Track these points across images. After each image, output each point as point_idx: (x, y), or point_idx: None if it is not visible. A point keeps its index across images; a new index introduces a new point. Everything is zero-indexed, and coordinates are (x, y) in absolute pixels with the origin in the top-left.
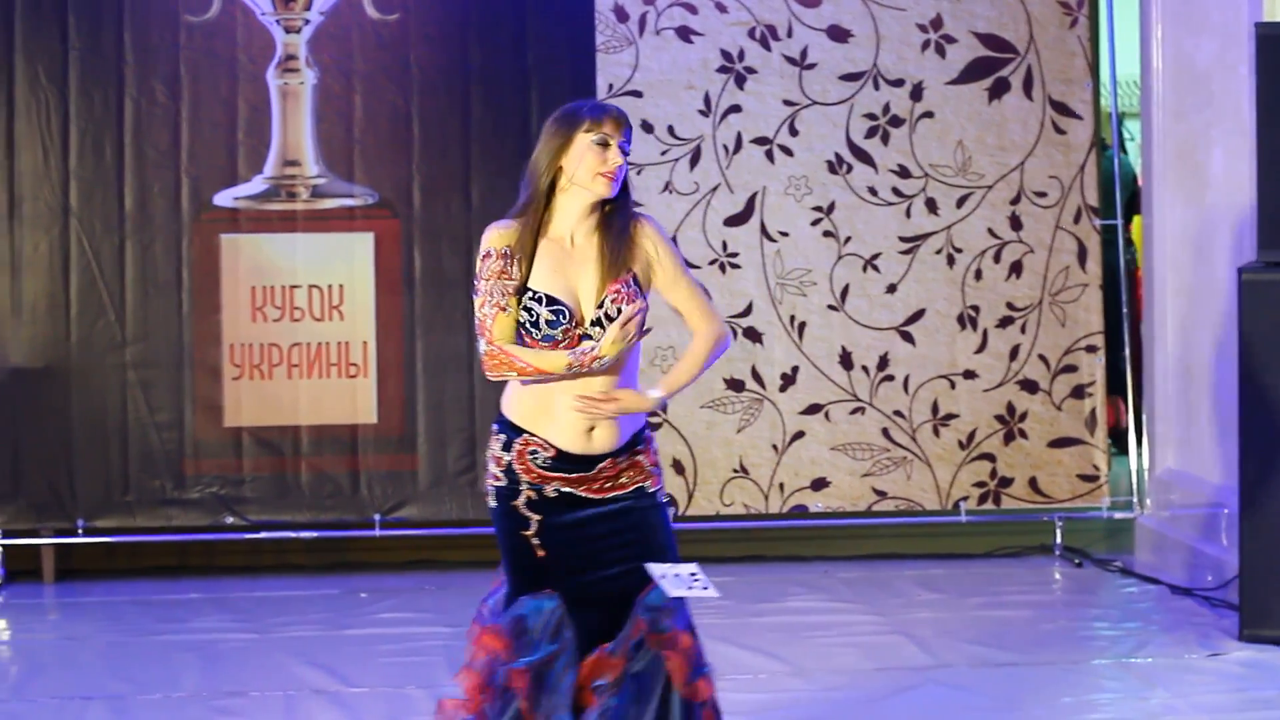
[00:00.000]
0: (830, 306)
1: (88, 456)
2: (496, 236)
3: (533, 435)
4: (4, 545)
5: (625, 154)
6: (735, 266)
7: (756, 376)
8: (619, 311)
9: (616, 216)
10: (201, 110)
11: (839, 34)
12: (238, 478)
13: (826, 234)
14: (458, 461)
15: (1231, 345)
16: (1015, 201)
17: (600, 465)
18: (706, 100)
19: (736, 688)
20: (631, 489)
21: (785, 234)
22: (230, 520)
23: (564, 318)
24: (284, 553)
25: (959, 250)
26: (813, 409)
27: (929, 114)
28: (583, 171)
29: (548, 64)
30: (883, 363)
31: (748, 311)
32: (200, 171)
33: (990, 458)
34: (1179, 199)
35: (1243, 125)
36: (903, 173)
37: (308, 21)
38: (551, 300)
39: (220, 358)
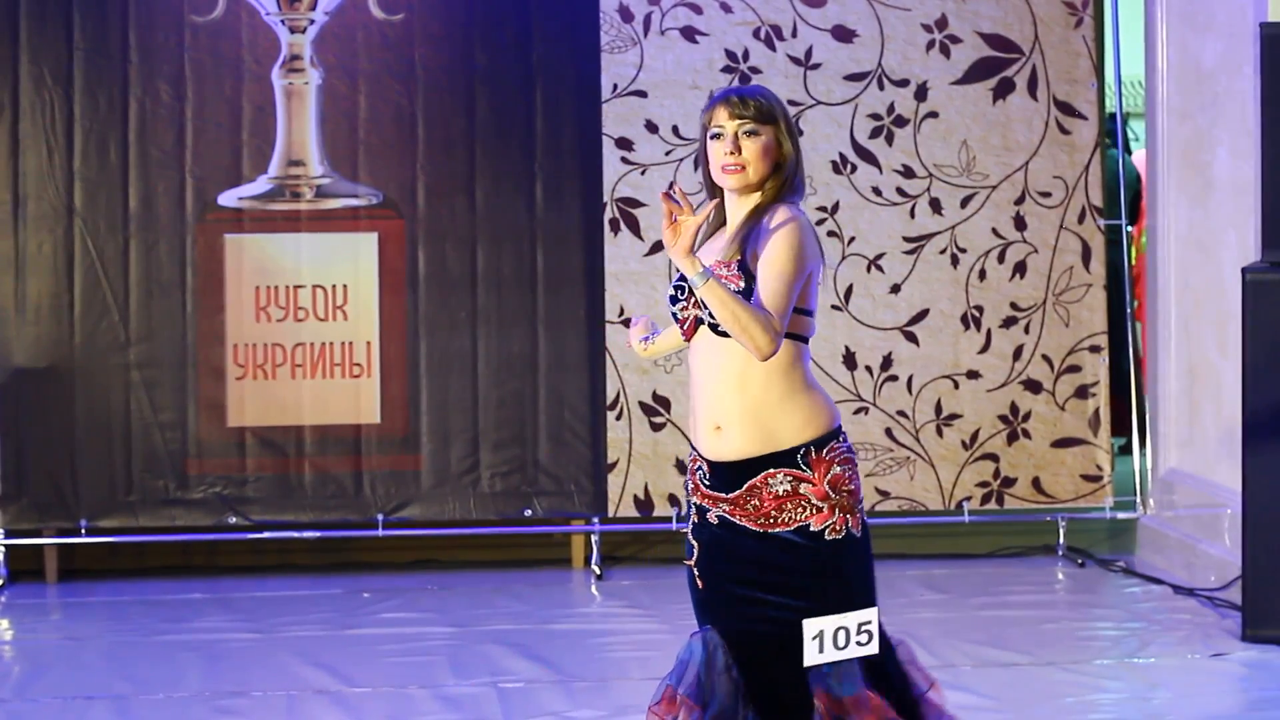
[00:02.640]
0: (834, 306)
1: (91, 456)
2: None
3: (694, 450)
4: (7, 545)
5: (755, 136)
6: None
7: None
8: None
9: (764, 208)
10: (206, 110)
11: (844, 34)
12: (241, 478)
13: (830, 234)
14: (461, 462)
15: (1235, 345)
16: (1019, 202)
17: (750, 483)
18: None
19: None
20: (795, 528)
21: None
22: (233, 520)
23: (682, 294)
24: (287, 553)
25: (963, 250)
26: None
27: (933, 114)
28: (713, 169)
29: (552, 64)
30: (886, 363)
31: None
32: (205, 171)
33: (993, 458)
34: (1183, 199)
35: (1247, 125)
36: (907, 173)
37: (312, 21)
38: (679, 277)
39: (224, 358)
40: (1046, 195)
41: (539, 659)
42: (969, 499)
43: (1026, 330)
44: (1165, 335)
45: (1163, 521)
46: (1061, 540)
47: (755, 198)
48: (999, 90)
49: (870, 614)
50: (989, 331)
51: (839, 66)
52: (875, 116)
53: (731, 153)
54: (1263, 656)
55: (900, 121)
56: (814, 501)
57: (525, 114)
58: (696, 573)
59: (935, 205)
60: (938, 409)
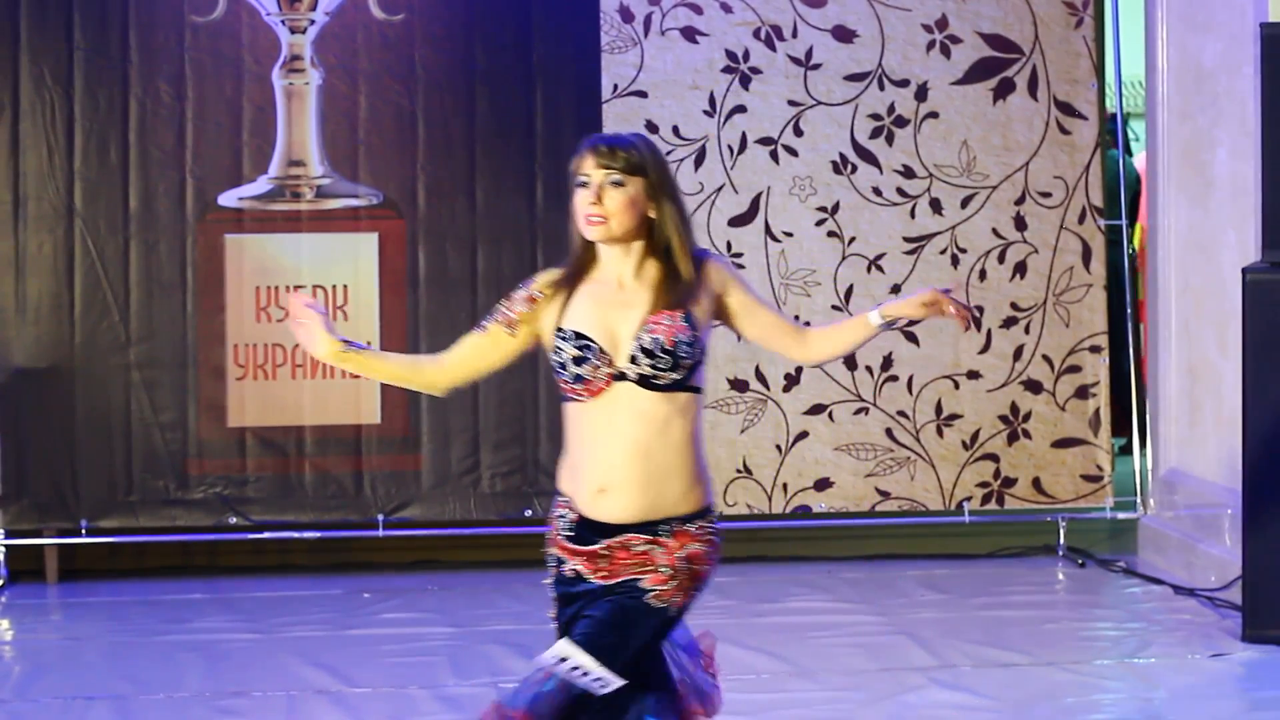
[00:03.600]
0: (834, 307)
1: (91, 457)
2: (539, 277)
3: (565, 499)
4: (7, 545)
5: (620, 188)
6: (740, 267)
7: (760, 377)
8: (654, 341)
9: (675, 257)
10: (206, 110)
11: (844, 34)
12: (241, 478)
13: (831, 234)
14: (461, 462)
15: (1235, 345)
16: (1020, 202)
17: (610, 542)
18: (711, 100)
19: (740, 688)
20: (625, 576)
21: (790, 234)
22: (234, 520)
23: (591, 354)
24: (287, 553)
25: (963, 250)
26: (816, 409)
27: (934, 114)
28: (577, 216)
29: (553, 64)
30: (886, 363)
31: None
32: (205, 172)
33: (994, 458)
34: (1184, 199)
35: (1248, 125)
36: (907, 173)
37: (313, 22)
38: (579, 336)
39: (224, 358)
40: (1047, 195)
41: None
42: (969, 499)
43: (1027, 330)
44: (1165, 335)
45: (1163, 522)
46: (1062, 540)
47: (636, 249)
48: (999, 90)
49: (612, 681)
50: (989, 332)
51: (839, 67)
52: (875, 117)
53: (594, 203)
54: (1263, 656)
55: (900, 122)
56: (659, 564)
57: (525, 114)
58: (555, 626)
59: (935, 205)
60: (938, 409)
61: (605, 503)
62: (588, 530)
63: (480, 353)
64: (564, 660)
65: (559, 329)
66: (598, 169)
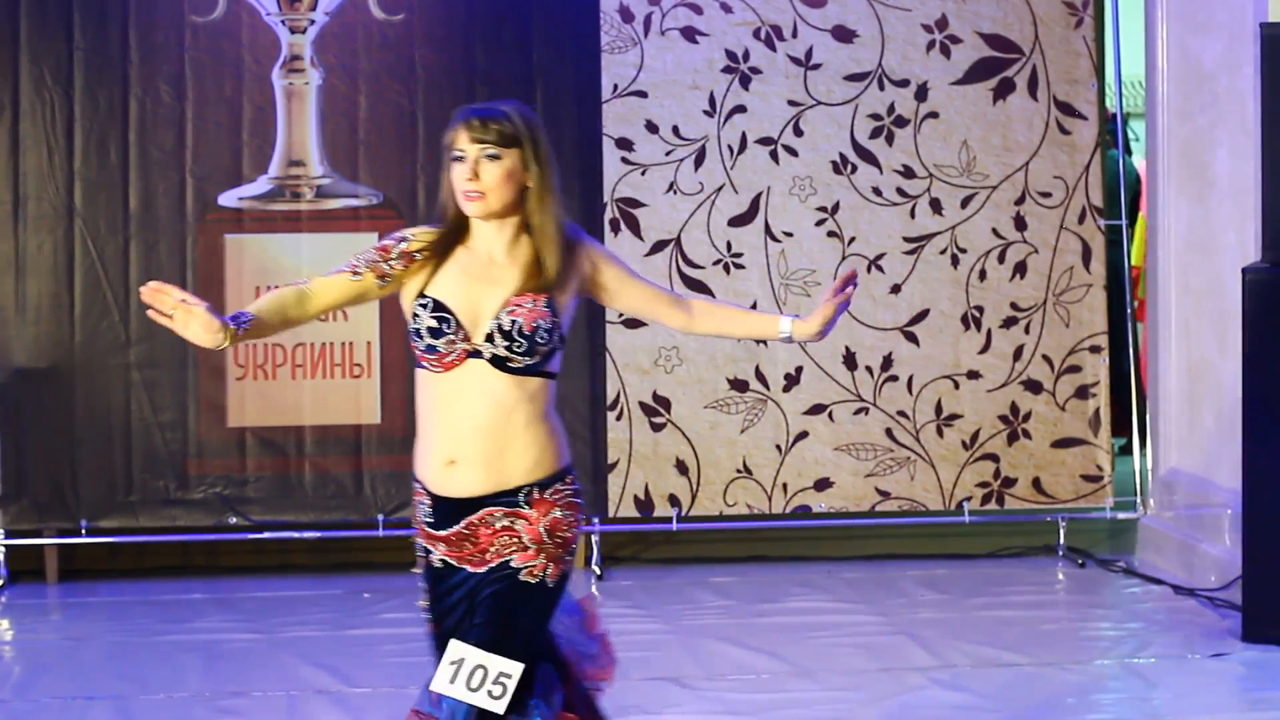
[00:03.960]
0: None
1: (91, 457)
2: (418, 234)
3: (419, 484)
4: (7, 545)
5: (496, 161)
6: (740, 267)
7: (760, 377)
8: (514, 324)
9: (555, 242)
10: (206, 110)
11: (844, 34)
12: (241, 478)
13: (831, 234)
14: None
15: (1235, 345)
16: (1019, 202)
17: (470, 519)
18: (711, 100)
19: (739, 688)
20: (497, 563)
21: (789, 234)
22: (233, 520)
23: (448, 327)
24: (287, 553)
25: (963, 250)
26: (816, 409)
27: (934, 114)
28: (456, 194)
29: (553, 64)
30: (886, 363)
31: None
32: (205, 172)
33: (994, 458)
34: (1184, 199)
35: (1248, 125)
36: (907, 173)
37: (313, 22)
38: (439, 307)
39: (224, 358)
40: (1047, 195)
41: None
42: (969, 499)
43: (1027, 330)
44: (1165, 335)
45: (1163, 522)
46: (1062, 540)
47: (511, 224)
48: (999, 90)
49: (513, 668)
50: (989, 332)
51: (839, 67)
52: (875, 117)
53: (471, 179)
54: (1263, 657)
55: (900, 122)
56: (524, 540)
57: None
58: (427, 616)
59: (935, 205)
60: (938, 409)
61: (455, 476)
62: (446, 511)
63: (346, 294)
64: (460, 661)
65: (421, 294)
66: (472, 143)
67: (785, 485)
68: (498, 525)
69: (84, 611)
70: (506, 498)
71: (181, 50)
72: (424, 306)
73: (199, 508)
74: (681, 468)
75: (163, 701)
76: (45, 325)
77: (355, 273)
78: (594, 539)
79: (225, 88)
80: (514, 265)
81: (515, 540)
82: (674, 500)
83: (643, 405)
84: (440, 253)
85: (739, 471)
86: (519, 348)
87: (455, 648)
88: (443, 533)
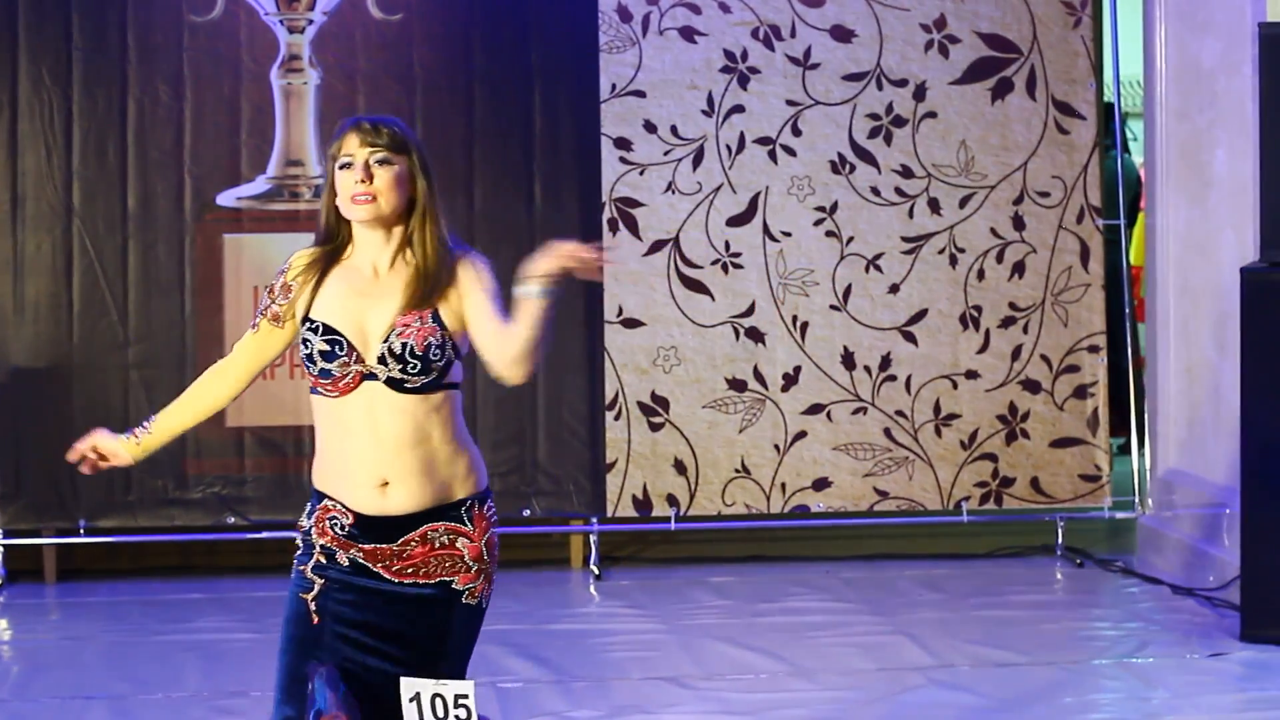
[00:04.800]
0: (832, 306)
1: None
2: (292, 261)
3: (333, 501)
4: (6, 545)
5: (388, 165)
6: (738, 267)
7: (759, 376)
8: (404, 346)
9: (437, 254)
10: (205, 110)
11: (842, 34)
12: (240, 478)
13: (829, 234)
14: None
15: (1234, 345)
16: (1018, 201)
17: (407, 538)
18: (710, 100)
19: (738, 688)
20: (435, 582)
21: (788, 234)
22: (232, 520)
23: (341, 350)
24: (286, 553)
25: (961, 250)
26: (815, 409)
27: (932, 114)
28: (341, 201)
29: (551, 64)
30: (885, 363)
31: (750, 311)
32: (203, 171)
33: (992, 458)
34: (1182, 199)
35: (1246, 125)
36: (905, 173)
37: (311, 21)
38: (328, 330)
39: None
40: (1045, 195)
41: (537, 659)
42: (968, 499)
43: (1025, 330)
44: (1164, 335)
45: (1161, 521)
46: (1060, 540)
47: (396, 235)
48: (998, 90)
49: (468, 687)
50: (987, 331)
51: (837, 66)
52: (874, 116)
53: (362, 181)
54: (1261, 656)
55: (899, 121)
56: (466, 560)
57: (524, 114)
58: (313, 607)
59: (934, 205)
60: (936, 409)
61: (392, 496)
62: (377, 528)
63: (258, 352)
64: (417, 696)
65: (307, 318)
66: (362, 147)
67: (784, 485)
68: (438, 544)
69: (82, 611)
70: (450, 511)
71: (180, 50)
72: (313, 330)
73: (197, 507)
74: (680, 467)
75: (161, 701)
76: (43, 325)
77: (254, 327)
78: (593, 539)
79: (223, 87)
80: (398, 281)
81: (457, 559)
82: (672, 500)
83: (641, 405)
84: (319, 270)
85: (737, 471)
86: (413, 369)
87: (408, 684)
88: (368, 545)
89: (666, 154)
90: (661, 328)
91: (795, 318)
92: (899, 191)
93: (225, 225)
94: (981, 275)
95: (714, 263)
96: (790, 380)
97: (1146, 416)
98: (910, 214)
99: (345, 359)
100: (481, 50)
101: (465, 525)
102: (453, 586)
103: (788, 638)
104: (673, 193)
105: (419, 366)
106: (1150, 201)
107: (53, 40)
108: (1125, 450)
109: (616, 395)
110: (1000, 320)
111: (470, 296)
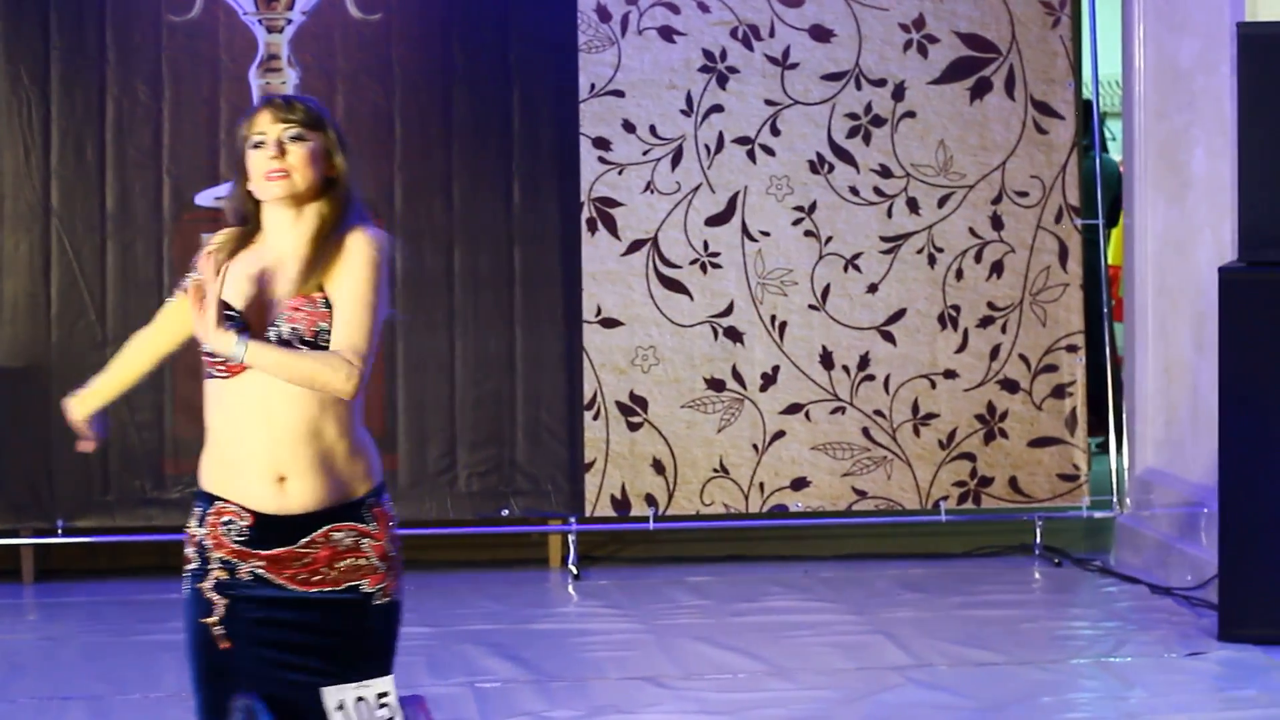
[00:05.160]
0: (811, 306)
1: (67, 456)
2: (216, 235)
3: (225, 502)
4: None
5: (302, 141)
6: (716, 266)
7: (737, 376)
8: (293, 332)
9: (331, 225)
10: (183, 110)
11: (821, 34)
12: None
13: (808, 233)
14: (438, 461)
15: (1212, 344)
16: (996, 201)
17: (307, 539)
18: (688, 100)
19: (716, 688)
20: (344, 586)
21: (766, 234)
22: None
23: (235, 329)
24: None
25: (940, 250)
26: (793, 408)
27: (911, 114)
28: (254, 180)
29: (530, 64)
30: (863, 362)
31: (729, 311)
32: (182, 171)
33: (970, 457)
34: (1160, 198)
35: (1224, 125)
36: (884, 172)
37: (290, 21)
38: (226, 307)
39: (200, 357)
40: (1024, 195)
41: (516, 659)
42: (946, 498)
43: (1003, 330)
44: (1142, 335)
45: (1139, 521)
46: (1038, 539)
47: (310, 216)
48: (976, 90)
49: (387, 683)
50: (966, 331)
51: (816, 66)
52: (853, 116)
53: (275, 157)
54: (1239, 655)
55: (878, 121)
56: (373, 560)
57: (503, 114)
58: (221, 632)
59: (912, 205)
60: (914, 408)
61: (289, 492)
62: (274, 529)
63: (177, 320)
64: (342, 704)
65: None
66: (275, 124)
67: (762, 485)
68: (340, 546)
69: (60, 611)
70: (350, 510)
71: (158, 49)
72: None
73: (176, 507)
74: (658, 467)
75: (139, 701)
76: (22, 325)
77: (174, 296)
78: (571, 538)
79: (202, 87)
80: (298, 259)
81: (364, 562)
82: (651, 500)
83: (619, 405)
84: (231, 252)
85: (716, 471)
86: (302, 346)
87: (330, 693)
88: (266, 551)
89: (645, 154)
90: (640, 327)
91: (774, 317)
92: (878, 191)
93: (204, 225)
94: (960, 275)
95: (693, 262)
96: (769, 380)
97: (1125, 416)
98: (889, 214)
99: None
100: (460, 50)
101: (368, 524)
102: (362, 590)
103: (766, 637)
104: (651, 192)
105: (310, 346)
106: (1128, 201)
107: (31, 39)
108: (1103, 450)
109: (595, 395)
110: (979, 320)
111: (341, 281)
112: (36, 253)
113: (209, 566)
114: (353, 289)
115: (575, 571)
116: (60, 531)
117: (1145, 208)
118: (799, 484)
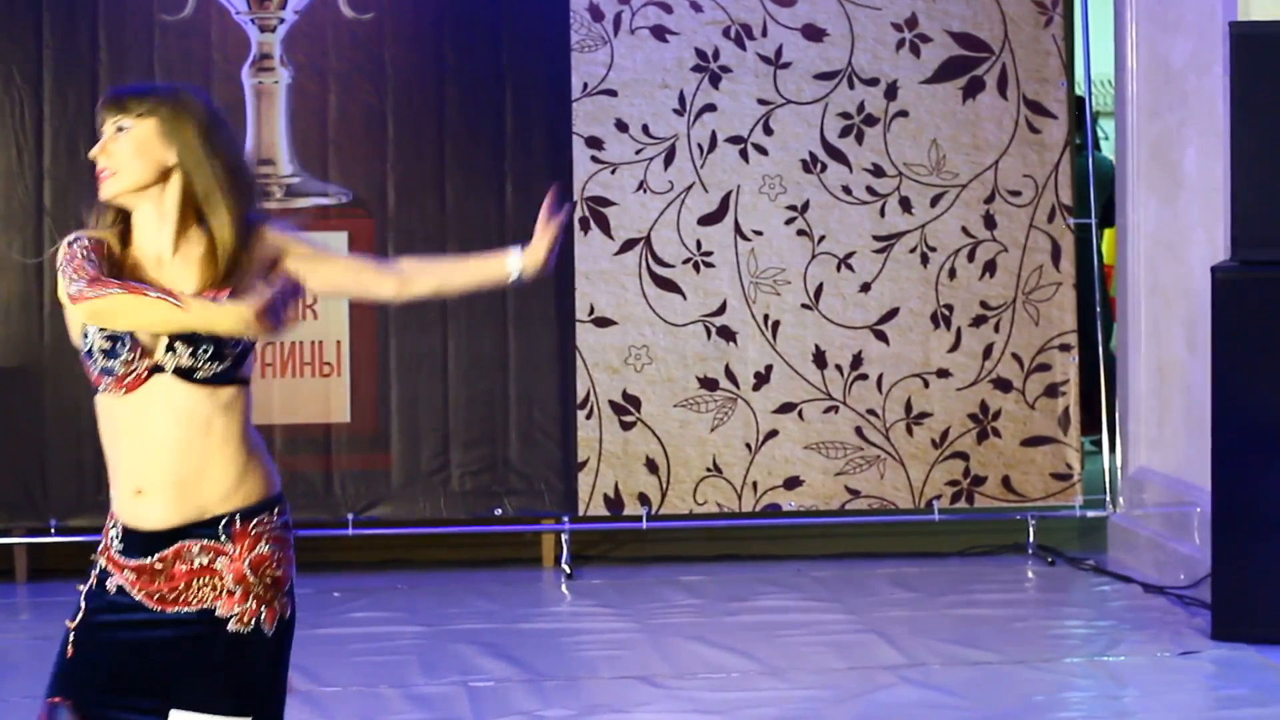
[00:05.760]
0: (804, 305)
1: (60, 456)
2: (86, 233)
3: (113, 508)
4: None
5: (126, 132)
6: (709, 265)
7: (730, 375)
8: (209, 335)
9: (231, 219)
10: None
11: (814, 33)
12: None
13: (800, 233)
14: (431, 461)
15: (1205, 344)
16: (989, 200)
17: (163, 553)
18: (681, 99)
19: (709, 687)
20: (198, 610)
21: (759, 233)
22: None
23: (122, 346)
24: None
25: (933, 249)
26: (786, 408)
27: (903, 113)
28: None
29: (523, 63)
30: (856, 361)
31: (722, 310)
32: None
33: (963, 456)
34: (1153, 198)
35: (1216, 124)
36: (877, 171)
37: (283, 20)
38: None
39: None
40: (1016, 194)
41: (509, 658)
42: (939, 498)
43: (996, 329)
44: (1135, 334)
45: (1132, 520)
46: (1031, 539)
47: (173, 215)
48: (969, 89)
49: None
50: (959, 330)
51: (809, 65)
52: (845, 115)
53: (98, 153)
54: (1232, 655)
55: (870, 120)
56: (228, 582)
57: (495, 113)
58: (71, 638)
59: (905, 204)
60: (908, 408)
61: (144, 506)
62: (135, 543)
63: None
64: None
65: None
66: (105, 121)
67: (755, 484)
68: (195, 564)
69: (53, 611)
70: (203, 530)
71: (151, 49)
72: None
73: None
74: (651, 466)
75: None
76: (14, 325)
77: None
78: (564, 537)
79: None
80: (187, 264)
81: (218, 582)
82: (644, 499)
83: (612, 404)
84: (98, 259)
85: (709, 470)
86: (205, 352)
87: (177, 717)
88: (132, 562)
89: (638, 153)
90: (633, 326)
91: (767, 317)
92: (870, 190)
93: None
94: (953, 274)
95: (685, 262)
96: (762, 379)
97: (1117, 415)
98: (881, 213)
99: (129, 356)
100: (453, 49)
101: (223, 544)
102: (215, 615)
103: (759, 636)
104: (644, 192)
105: (212, 350)
106: (1121, 201)
107: (23, 39)
108: (1096, 449)
109: (588, 394)
110: (971, 319)
111: (299, 255)
112: (29, 253)
113: (91, 570)
114: (307, 248)
115: (568, 570)
116: (53, 531)
117: (1137, 207)
118: (792, 483)
